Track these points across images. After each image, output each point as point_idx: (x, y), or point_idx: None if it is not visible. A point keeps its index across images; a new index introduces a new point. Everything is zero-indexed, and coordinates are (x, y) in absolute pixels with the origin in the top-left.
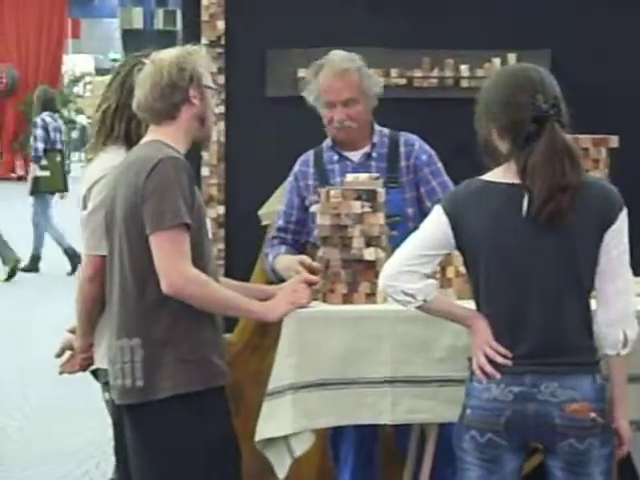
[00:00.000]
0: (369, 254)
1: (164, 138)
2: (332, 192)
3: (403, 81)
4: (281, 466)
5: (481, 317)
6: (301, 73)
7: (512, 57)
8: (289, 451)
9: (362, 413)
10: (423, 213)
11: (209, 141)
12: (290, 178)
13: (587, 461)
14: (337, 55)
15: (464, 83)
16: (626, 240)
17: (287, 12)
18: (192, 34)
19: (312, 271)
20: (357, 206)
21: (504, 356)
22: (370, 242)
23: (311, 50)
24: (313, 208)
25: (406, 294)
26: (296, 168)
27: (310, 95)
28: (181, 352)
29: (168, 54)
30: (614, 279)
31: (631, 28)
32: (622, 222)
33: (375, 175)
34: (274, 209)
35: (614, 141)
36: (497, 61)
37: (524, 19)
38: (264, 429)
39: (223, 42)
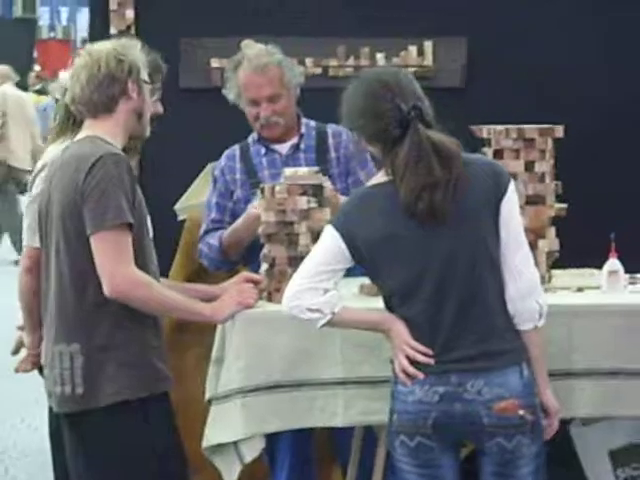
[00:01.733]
0: None
1: (101, 133)
2: (277, 188)
3: (318, 70)
4: (230, 472)
5: (397, 319)
6: (215, 63)
7: (428, 45)
8: (239, 457)
9: (314, 416)
10: None
11: (144, 138)
12: (216, 172)
13: (516, 460)
14: (255, 49)
15: None
16: (518, 211)
17: (199, 1)
18: (100, 24)
19: None
20: (303, 202)
21: (425, 354)
22: (317, 238)
23: (225, 39)
24: (255, 204)
25: (312, 310)
26: (222, 162)
27: (230, 93)
28: (123, 357)
29: (104, 46)
30: (518, 249)
31: (548, 16)
32: (512, 193)
33: (315, 169)
34: (191, 203)
35: (559, 131)
36: (413, 49)
37: (440, 7)
38: (213, 435)
39: (133, 32)
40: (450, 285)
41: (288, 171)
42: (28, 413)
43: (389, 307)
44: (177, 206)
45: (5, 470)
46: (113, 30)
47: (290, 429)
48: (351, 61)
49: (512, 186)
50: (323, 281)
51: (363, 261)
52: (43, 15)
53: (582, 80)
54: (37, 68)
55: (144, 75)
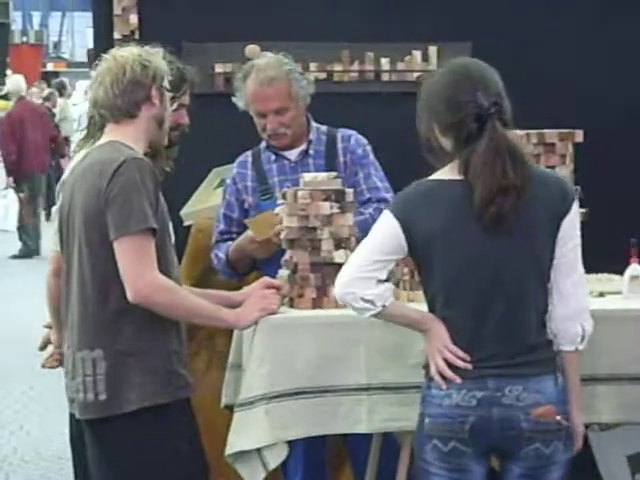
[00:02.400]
0: (339, 257)
1: (123, 139)
2: (300, 193)
3: (323, 75)
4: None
5: (437, 320)
6: (218, 68)
7: (433, 50)
8: (263, 464)
9: (338, 422)
10: (360, 202)
11: (162, 147)
12: (228, 181)
13: (550, 465)
14: (264, 59)
15: (385, 77)
16: (579, 232)
17: (203, 5)
18: (104, 28)
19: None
20: (326, 207)
21: (463, 359)
22: (339, 244)
23: (228, 44)
24: (278, 210)
25: (365, 300)
26: (234, 170)
27: (240, 101)
28: (146, 363)
29: (129, 51)
30: (570, 272)
31: (552, 21)
32: (575, 214)
33: (334, 174)
34: (196, 209)
35: (579, 136)
36: (418, 54)
37: (445, 11)
38: (236, 441)
39: (137, 36)
40: (495, 294)
41: (307, 176)
42: (27, 420)
43: (431, 307)
44: (182, 211)
45: (5, 477)
46: (117, 35)
47: (314, 435)
48: (356, 66)
49: (576, 206)
50: (377, 270)
51: (416, 254)
52: (15, 19)
53: (589, 85)
54: (9, 72)
55: (166, 83)
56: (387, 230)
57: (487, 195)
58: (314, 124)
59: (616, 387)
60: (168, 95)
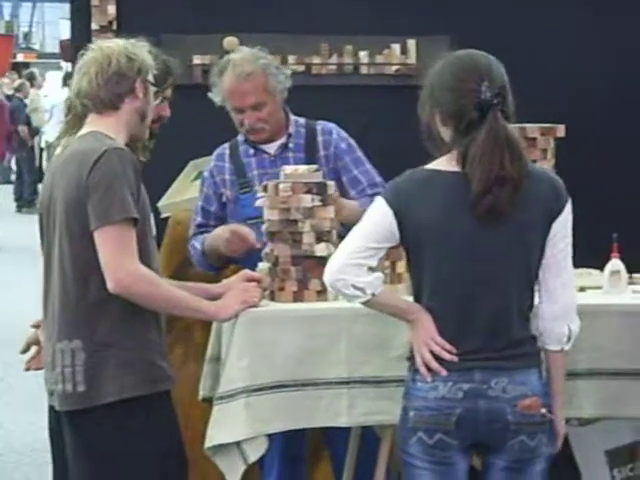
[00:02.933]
0: (320, 250)
1: (104, 129)
2: (281, 186)
3: (301, 68)
4: (233, 473)
5: (424, 311)
6: (196, 60)
7: (412, 43)
8: (242, 457)
9: (318, 416)
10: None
11: (142, 141)
12: (206, 173)
13: (533, 458)
14: (240, 55)
15: (363, 70)
16: (570, 232)
17: None
18: (82, 19)
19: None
20: (307, 200)
21: (449, 352)
22: (321, 237)
23: (206, 36)
24: (259, 202)
25: (356, 288)
26: (212, 163)
27: (216, 97)
28: (125, 355)
29: (115, 43)
30: (559, 272)
31: (532, 15)
32: (568, 214)
33: (315, 166)
34: (173, 201)
35: (561, 130)
36: (397, 47)
37: (424, 5)
38: (216, 435)
39: (115, 27)
40: (483, 288)
41: (288, 169)
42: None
43: (417, 297)
44: (160, 203)
45: None
46: (94, 26)
47: (294, 429)
48: (334, 59)
49: (569, 206)
50: (368, 258)
51: (407, 243)
52: None
53: (570, 78)
54: None
55: (150, 77)
56: (380, 218)
57: (484, 184)
58: (292, 117)
59: (596, 382)
60: (152, 89)
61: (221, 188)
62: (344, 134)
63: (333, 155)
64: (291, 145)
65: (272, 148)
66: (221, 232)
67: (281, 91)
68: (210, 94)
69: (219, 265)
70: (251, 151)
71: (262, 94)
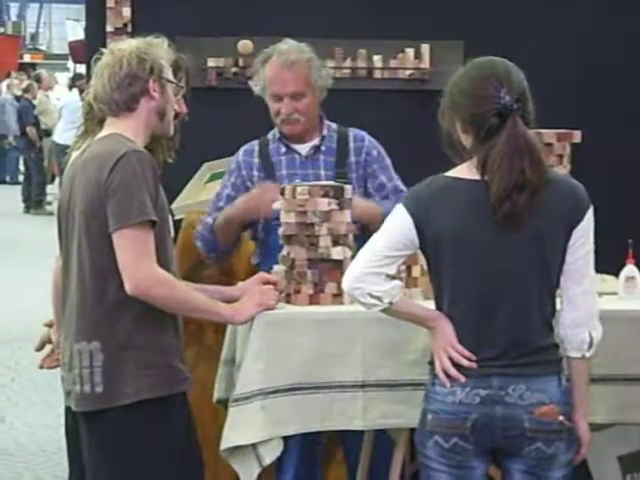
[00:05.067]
0: (336, 253)
1: (123, 131)
2: (298, 189)
3: None
4: (249, 475)
5: (444, 318)
6: (211, 63)
7: (425, 48)
8: (258, 459)
9: (333, 419)
10: None
11: (167, 138)
12: (233, 166)
13: (551, 465)
14: (286, 45)
15: (377, 74)
16: (592, 239)
17: (196, 0)
18: (96, 21)
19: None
20: (324, 203)
21: (469, 359)
22: (337, 241)
23: (221, 39)
24: (276, 205)
25: (373, 296)
26: (239, 157)
27: (256, 85)
28: (143, 356)
29: (128, 44)
30: (580, 280)
31: (545, 19)
32: (589, 221)
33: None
34: (187, 203)
35: (577, 136)
36: (410, 52)
37: (437, 9)
38: (231, 437)
39: (130, 30)
40: (503, 296)
41: None
42: (10, 413)
43: (439, 304)
44: (173, 205)
45: None
46: (109, 28)
47: (309, 431)
48: (348, 63)
49: (590, 214)
50: (387, 266)
51: (427, 250)
52: None
53: (584, 84)
54: None
55: (168, 74)
56: (400, 225)
57: (503, 190)
58: (326, 121)
59: (611, 388)
60: (170, 86)
61: (247, 182)
62: (375, 143)
63: (364, 162)
64: (323, 148)
65: (304, 149)
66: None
67: (321, 87)
68: (250, 82)
69: (224, 242)
70: (282, 149)
71: (303, 84)
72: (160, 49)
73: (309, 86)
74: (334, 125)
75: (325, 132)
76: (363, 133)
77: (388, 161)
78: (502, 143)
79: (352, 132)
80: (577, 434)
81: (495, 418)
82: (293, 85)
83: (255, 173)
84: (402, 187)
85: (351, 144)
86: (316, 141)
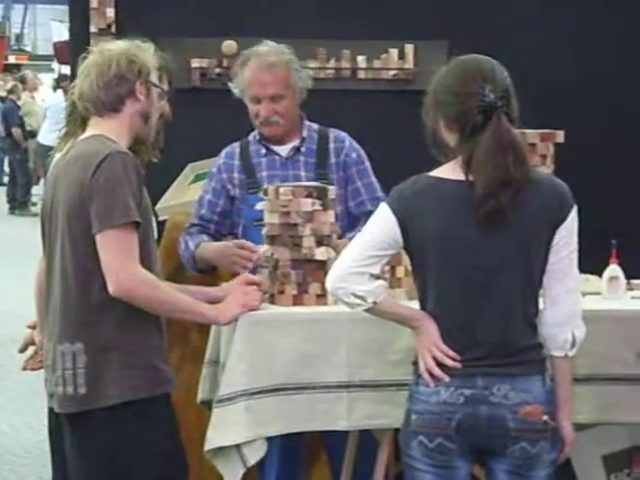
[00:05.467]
0: (320, 254)
1: (107, 132)
2: (281, 189)
3: None
4: (233, 476)
5: (428, 318)
6: (194, 63)
7: (410, 48)
8: (242, 460)
9: (317, 419)
10: (347, 212)
11: (149, 141)
12: (214, 169)
13: (535, 464)
14: (266, 46)
15: (361, 74)
16: (576, 239)
17: (180, 0)
18: (80, 22)
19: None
20: (308, 204)
21: (453, 359)
22: (321, 241)
23: (205, 40)
24: (259, 206)
25: (356, 296)
26: (220, 160)
27: (236, 87)
28: (127, 358)
29: (117, 45)
30: (563, 279)
31: (529, 19)
32: (572, 221)
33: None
34: (171, 204)
35: (560, 136)
36: (394, 52)
37: (421, 10)
38: (215, 437)
39: (113, 30)
40: (487, 295)
41: None
42: None
43: (423, 304)
44: (157, 206)
45: None
46: (93, 28)
47: (293, 432)
48: (332, 63)
49: (574, 213)
50: (371, 266)
51: (411, 250)
52: None
53: (569, 84)
54: None
55: (154, 78)
56: (383, 225)
57: (488, 188)
58: (306, 122)
59: (594, 387)
60: (156, 90)
61: (228, 185)
62: (356, 144)
63: (343, 163)
64: (303, 149)
65: (284, 150)
66: (224, 248)
67: (301, 89)
68: (230, 84)
69: (204, 269)
70: (262, 151)
71: (282, 87)
72: (148, 54)
73: (288, 88)
74: (315, 125)
75: (305, 133)
76: (344, 134)
77: (367, 164)
78: (487, 141)
79: (333, 133)
80: (561, 433)
81: (480, 418)
82: (272, 87)
83: (235, 175)
84: (380, 194)
85: (331, 145)
86: (296, 142)
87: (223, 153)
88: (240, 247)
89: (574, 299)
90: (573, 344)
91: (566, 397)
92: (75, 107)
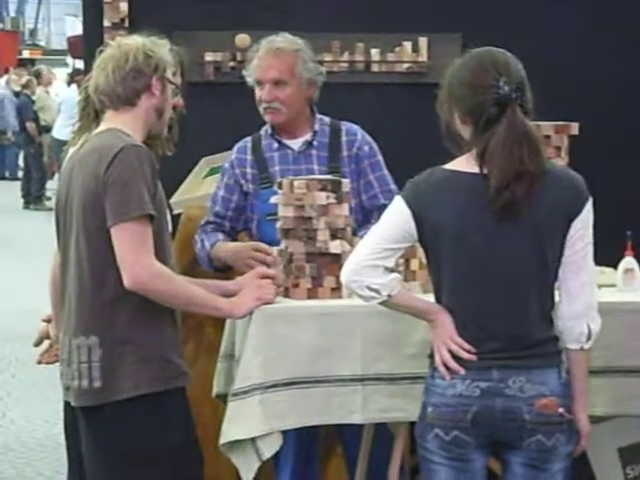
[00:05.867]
0: (335, 247)
1: (122, 126)
2: (296, 183)
3: None
4: (248, 470)
5: (444, 311)
6: (208, 57)
7: (423, 41)
8: (257, 454)
9: (332, 412)
10: (361, 206)
11: (161, 138)
12: (226, 165)
13: (551, 457)
14: (280, 35)
15: (375, 67)
16: (591, 231)
17: None
18: (94, 16)
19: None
20: (322, 197)
21: (468, 351)
22: (335, 234)
23: (219, 34)
24: (273, 199)
25: (371, 289)
26: (233, 155)
27: (249, 76)
28: (141, 351)
29: (134, 40)
30: (579, 272)
31: (544, 12)
32: (588, 213)
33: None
34: (185, 197)
35: (575, 128)
36: (408, 45)
37: (435, 2)
38: (230, 431)
39: (127, 24)
40: (502, 289)
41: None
42: (10, 408)
43: (438, 297)
44: (172, 200)
45: None
46: (107, 22)
47: (308, 425)
48: (346, 56)
49: (589, 205)
50: (385, 259)
51: (425, 243)
52: None
53: (584, 77)
54: None
55: (169, 74)
56: (398, 218)
57: (503, 180)
58: (318, 115)
59: (610, 380)
60: (170, 87)
61: (241, 180)
62: (368, 137)
63: (355, 156)
64: (315, 143)
65: (296, 144)
66: (240, 249)
67: (308, 80)
68: (244, 72)
69: (220, 268)
70: (275, 145)
71: (286, 73)
72: (164, 49)
73: (293, 76)
74: (327, 119)
75: (317, 127)
76: (356, 127)
77: (380, 157)
78: (501, 132)
79: (345, 126)
80: (577, 426)
81: (495, 410)
82: (275, 71)
83: (248, 170)
84: (392, 186)
85: (343, 138)
86: (308, 136)
87: (235, 148)
88: (255, 249)
89: (590, 292)
90: (589, 337)
91: (582, 390)
92: (88, 102)
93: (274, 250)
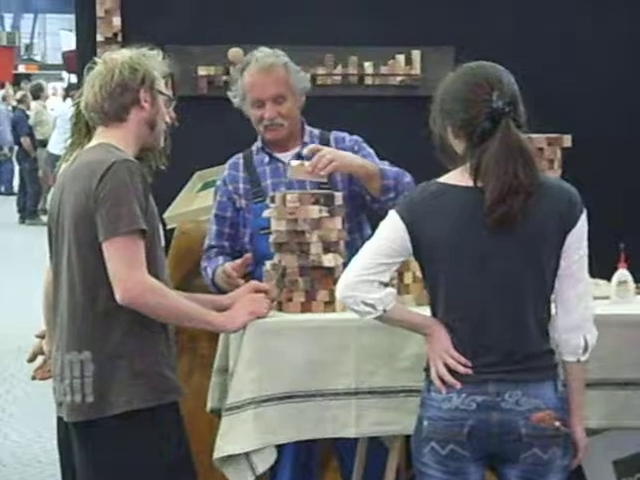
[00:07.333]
0: (328, 260)
1: (113, 141)
2: (288, 196)
3: None
4: None
5: (439, 324)
6: (201, 71)
7: (416, 54)
8: (251, 468)
9: (326, 426)
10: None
11: (157, 149)
12: (219, 182)
13: (547, 470)
14: (261, 52)
15: (368, 80)
16: (586, 243)
17: (186, 8)
18: (87, 31)
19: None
20: (315, 211)
21: (464, 365)
22: (328, 248)
23: (211, 47)
24: (266, 213)
25: (366, 304)
26: (225, 172)
27: (235, 96)
28: (134, 366)
29: (121, 54)
30: (574, 284)
31: (534, 24)
32: (583, 225)
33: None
34: (179, 212)
35: (567, 140)
36: (401, 58)
37: (428, 15)
38: (224, 446)
39: (120, 39)
40: (498, 303)
41: (294, 163)
42: (4, 424)
43: (434, 311)
44: (165, 214)
45: None
46: (100, 37)
47: (302, 439)
48: (339, 69)
49: (584, 217)
50: (380, 273)
51: (421, 257)
52: None
53: (576, 90)
54: None
55: (159, 85)
56: (392, 232)
57: (498, 194)
58: (307, 127)
59: (604, 392)
60: (162, 98)
61: (234, 196)
62: (356, 138)
63: None
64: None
65: (287, 157)
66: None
67: (301, 90)
68: (229, 93)
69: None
70: (266, 159)
71: (283, 87)
72: (154, 60)
73: (289, 89)
74: (316, 131)
75: (307, 139)
76: (344, 134)
77: (370, 150)
78: (495, 147)
79: (333, 135)
80: (574, 439)
81: (491, 424)
82: (274, 88)
83: (241, 186)
84: (394, 167)
85: (332, 146)
86: (298, 148)
87: (227, 165)
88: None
89: (585, 304)
90: (585, 349)
91: (579, 402)
92: (80, 117)
93: (268, 265)
